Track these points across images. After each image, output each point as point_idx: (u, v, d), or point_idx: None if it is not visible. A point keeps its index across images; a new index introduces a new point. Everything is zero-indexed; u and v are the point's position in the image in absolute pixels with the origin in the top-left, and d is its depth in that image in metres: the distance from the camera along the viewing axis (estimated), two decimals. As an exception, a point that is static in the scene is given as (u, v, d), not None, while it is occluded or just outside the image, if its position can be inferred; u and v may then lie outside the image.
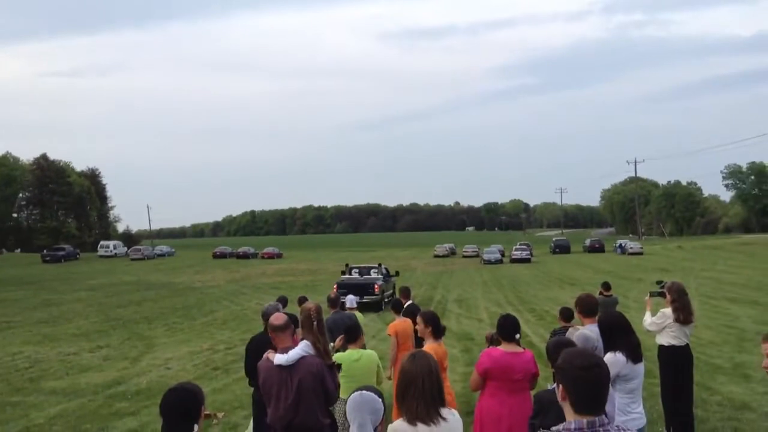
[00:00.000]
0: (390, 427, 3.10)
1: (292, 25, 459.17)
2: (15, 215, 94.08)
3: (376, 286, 24.05)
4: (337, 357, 5.74)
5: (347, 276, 25.68)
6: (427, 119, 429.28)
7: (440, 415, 3.04)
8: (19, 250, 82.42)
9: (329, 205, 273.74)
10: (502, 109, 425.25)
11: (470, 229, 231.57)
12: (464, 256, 66.72)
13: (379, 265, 26.81)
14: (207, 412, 3.06)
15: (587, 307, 5.71)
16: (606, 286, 11.94)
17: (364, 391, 3.11)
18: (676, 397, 7.16)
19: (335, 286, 22.18)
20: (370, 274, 25.50)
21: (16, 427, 9.10)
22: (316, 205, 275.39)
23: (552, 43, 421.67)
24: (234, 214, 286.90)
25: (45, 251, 68.10)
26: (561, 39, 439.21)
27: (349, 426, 3.07)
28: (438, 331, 5.99)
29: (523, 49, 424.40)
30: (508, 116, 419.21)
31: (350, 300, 9.65)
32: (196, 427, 2.88)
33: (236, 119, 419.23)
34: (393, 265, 36.40)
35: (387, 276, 26.31)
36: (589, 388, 2.31)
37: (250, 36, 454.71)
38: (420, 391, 3.03)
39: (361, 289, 23.06)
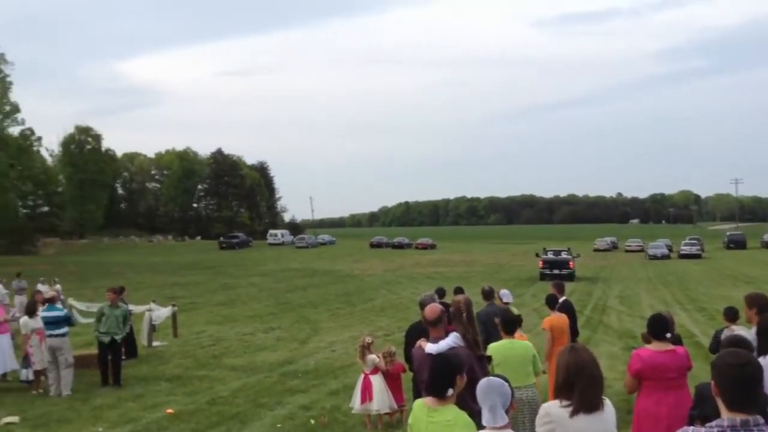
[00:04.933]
0: (544, 407, 3.30)
1: (443, 16, 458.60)
2: (195, 205, 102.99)
3: (570, 263, 33.84)
4: (491, 347, 5.99)
5: (545, 256, 34.70)
6: (585, 106, 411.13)
7: (603, 403, 3.22)
8: (199, 237, 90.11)
9: (482, 197, 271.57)
10: (669, 93, 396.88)
11: (634, 221, 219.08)
12: (627, 251, 63.56)
13: (568, 249, 36.51)
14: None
15: (758, 305, 5.43)
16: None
17: (490, 378, 3.36)
18: None
19: (540, 262, 34.00)
20: (561, 255, 34.83)
21: (204, 397, 10.27)
22: (468, 196, 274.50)
23: (725, 23, 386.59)
24: (389, 205, 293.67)
25: (221, 239, 74.06)
26: (735, 17, 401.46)
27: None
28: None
29: (691, 29, 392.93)
30: (676, 101, 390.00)
31: (505, 294, 9.80)
32: (450, 390, 3.53)
33: (391, 112, 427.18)
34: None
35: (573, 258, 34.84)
36: (740, 385, 2.35)
37: (403, 29, 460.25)
38: (590, 379, 3.20)
39: (559, 264, 33.54)
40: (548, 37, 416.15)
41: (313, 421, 8.59)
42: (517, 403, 5.74)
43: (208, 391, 10.68)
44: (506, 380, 3.36)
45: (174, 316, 17.08)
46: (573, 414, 3.15)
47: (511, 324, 6.35)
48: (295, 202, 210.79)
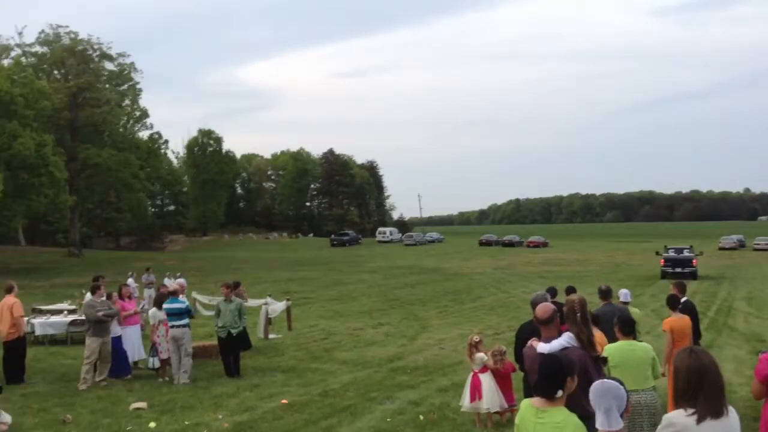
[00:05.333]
0: (667, 417, 3.14)
1: (556, 9, 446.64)
2: (308, 204, 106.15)
3: (694, 261, 32.86)
4: (608, 348, 5.76)
5: (666, 254, 34.02)
6: (709, 97, 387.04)
7: (727, 409, 3.06)
8: (311, 234, 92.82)
9: (598, 193, 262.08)
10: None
11: (763, 218, 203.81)
12: (756, 249, 59.20)
13: (691, 246, 36.10)
14: None
15: None
16: None
17: (605, 380, 3.26)
18: None
19: (662, 260, 33.06)
20: (684, 253, 34.03)
21: (317, 389, 10.55)
22: (583, 192, 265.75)
23: None
24: (499, 203, 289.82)
25: (333, 236, 75.88)
26: None
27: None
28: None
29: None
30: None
31: (624, 294, 9.42)
32: (560, 392, 3.44)
33: (501, 108, 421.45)
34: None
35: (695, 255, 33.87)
36: None
37: (515, 24, 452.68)
38: (714, 384, 3.06)
39: (682, 262, 32.54)
40: (669, 25, 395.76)
41: (422, 417, 8.60)
42: (635, 407, 5.50)
43: (320, 384, 10.95)
44: (621, 383, 3.23)
45: (288, 310, 17.69)
46: (699, 421, 3.01)
47: (629, 325, 6.09)
48: (404, 200, 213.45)
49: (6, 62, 45.41)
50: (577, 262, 46.94)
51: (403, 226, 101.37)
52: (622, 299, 9.11)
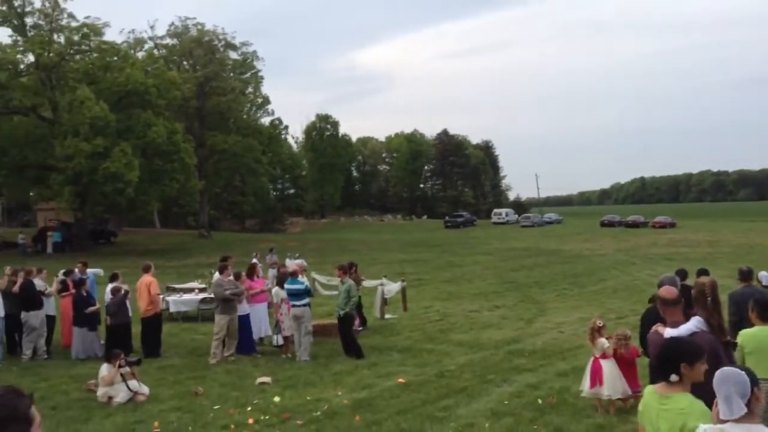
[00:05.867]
0: None
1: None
2: (422, 186, 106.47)
3: None
4: (743, 334, 5.40)
5: None
6: None
7: None
8: (425, 216, 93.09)
9: (730, 170, 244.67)
10: None
11: None
12: None
13: None
14: None
15: None
16: None
17: (725, 368, 3.14)
18: None
19: None
20: None
21: (432, 370, 10.60)
22: (714, 170, 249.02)
23: None
24: (622, 182, 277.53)
25: (447, 218, 75.74)
26: None
27: None
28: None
29: None
30: None
31: (765, 276, 8.79)
32: (674, 376, 3.34)
33: (620, 82, 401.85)
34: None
35: None
36: None
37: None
38: None
39: None
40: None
41: (540, 401, 8.44)
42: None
43: (436, 364, 11.00)
44: (748, 370, 3.06)
45: (403, 291, 17.88)
46: None
47: (767, 309, 5.64)
48: (520, 180, 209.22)
49: (140, 55, 48.55)
50: (707, 243, 44.09)
51: (520, 207, 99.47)
52: (764, 282, 8.50)
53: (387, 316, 16.63)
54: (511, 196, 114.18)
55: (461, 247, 44.94)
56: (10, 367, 11.25)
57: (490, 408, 8.22)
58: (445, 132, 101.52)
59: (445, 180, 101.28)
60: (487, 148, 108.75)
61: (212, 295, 13.60)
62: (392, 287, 17.64)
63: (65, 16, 40.32)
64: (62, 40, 40.63)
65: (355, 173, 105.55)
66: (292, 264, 18.60)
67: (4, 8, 38.60)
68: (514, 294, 21.38)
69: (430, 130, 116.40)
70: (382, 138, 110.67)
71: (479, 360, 11.35)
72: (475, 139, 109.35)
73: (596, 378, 7.96)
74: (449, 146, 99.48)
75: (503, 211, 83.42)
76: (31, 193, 46.32)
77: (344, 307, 11.94)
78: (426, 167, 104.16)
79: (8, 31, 39.59)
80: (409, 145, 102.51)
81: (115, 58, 41.39)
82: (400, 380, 9.74)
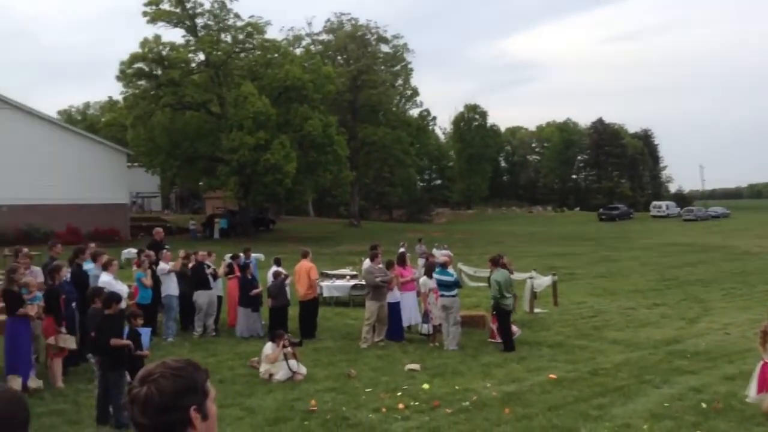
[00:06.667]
0: None
1: None
2: (574, 177, 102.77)
3: None
4: None
5: None
6: None
7: None
8: (578, 208, 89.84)
9: None
10: None
11: None
12: None
13: None
14: None
15: None
16: None
17: None
18: None
19: None
20: None
21: (585, 367, 10.27)
22: None
23: None
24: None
25: (601, 210, 72.58)
26: None
27: None
28: None
29: None
30: None
31: None
32: None
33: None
34: None
35: None
36: None
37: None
38: None
39: None
40: None
41: (704, 405, 7.91)
42: None
43: (589, 362, 10.64)
44: None
45: (554, 285, 17.42)
46: None
47: None
48: (683, 171, 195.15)
49: (298, 51, 50.94)
50: None
51: (682, 199, 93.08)
52: None
53: (536, 310, 16.28)
54: (673, 188, 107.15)
55: (617, 241, 42.91)
56: (183, 343, 12.31)
57: (648, 409, 7.84)
58: (600, 120, 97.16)
59: (600, 170, 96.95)
60: (646, 137, 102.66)
61: (363, 282, 14.04)
62: (542, 281, 17.23)
63: (231, 15, 43.12)
64: (229, 39, 43.48)
65: (503, 163, 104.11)
66: (439, 254, 18.70)
67: (178, 11, 41.96)
68: (675, 292, 20.11)
69: (584, 119, 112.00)
70: (532, 127, 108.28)
71: (636, 359, 10.82)
72: (633, 128, 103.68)
73: (765, 383, 7.36)
74: (605, 135, 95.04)
75: (663, 203, 78.47)
76: (200, 183, 50.11)
77: (496, 295, 11.85)
78: (579, 157, 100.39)
79: (181, 32, 43.05)
80: (561, 135, 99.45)
81: (276, 55, 43.68)
82: (551, 376, 9.54)
